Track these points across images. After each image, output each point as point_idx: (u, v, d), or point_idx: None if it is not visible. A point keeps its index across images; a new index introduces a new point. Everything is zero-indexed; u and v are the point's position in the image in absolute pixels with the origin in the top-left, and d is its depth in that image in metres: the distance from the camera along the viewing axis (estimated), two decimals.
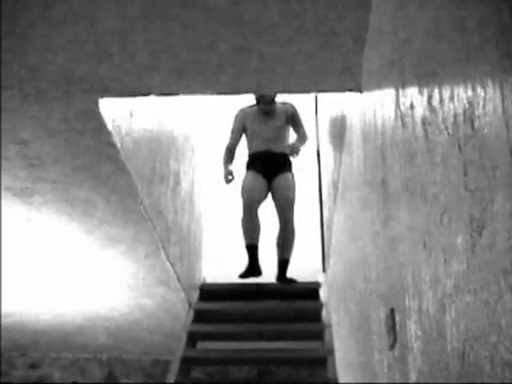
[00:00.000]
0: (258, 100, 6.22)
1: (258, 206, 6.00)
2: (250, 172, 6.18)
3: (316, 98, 7.25)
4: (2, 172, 4.02)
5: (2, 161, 3.88)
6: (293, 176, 6.23)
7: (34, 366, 7.51)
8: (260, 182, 6.08)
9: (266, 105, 6.18)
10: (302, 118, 6.37)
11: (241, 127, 6.34)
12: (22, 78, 3.16)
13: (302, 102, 7.58)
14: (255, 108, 6.32)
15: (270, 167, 6.14)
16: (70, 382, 7.41)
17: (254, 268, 5.91)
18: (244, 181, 6.15)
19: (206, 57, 3.09)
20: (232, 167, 6.21)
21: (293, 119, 6.29)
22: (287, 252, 5.99)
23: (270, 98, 6.13)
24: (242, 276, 5.89)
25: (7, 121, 3.49)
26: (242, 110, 6.39)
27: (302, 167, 7.32)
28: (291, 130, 6.40)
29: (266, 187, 6.12)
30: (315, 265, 6.68)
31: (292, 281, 5.95)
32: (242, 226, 5.96)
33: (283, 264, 6.00)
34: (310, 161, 7.25)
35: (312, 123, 7.29)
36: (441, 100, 1.59)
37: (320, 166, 6.98)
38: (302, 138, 6.27)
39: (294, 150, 6.02)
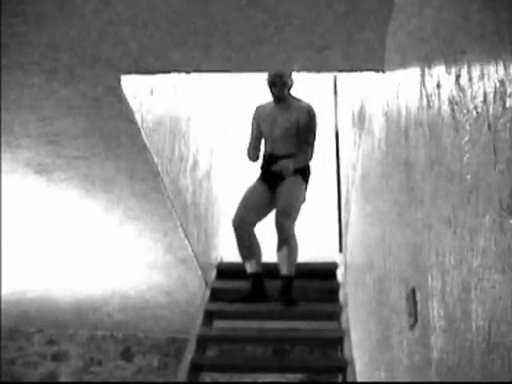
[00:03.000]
0: (271, 85, 5.38)
1: (252, 228, 5.31)
2: (256, 182, 5.51)
3: (335, 79, 7.21)
4: (23, 149, 4.03)
5: (24, 137, 3.89)
6: (304, 180, 5.42)
7: (50, 342, 7.57)
8: (261, 195, 5.39)
9: (276, 90, 5.38)
10: (316, 130, 5.49)
11: (256, 127, 5.60)
12: (45, 54, 3.17)
13: (320, 83, 7.57)
14: (271, 104, 5.56)
15: (274, 173, 5.35)
16: (87, 358, 7.46)
17: (258, 294, 5.27)
18: (246, 192, 5.46)
19: (229, 34, 3.08)
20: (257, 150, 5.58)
21: (306, 125, 5.44)
22: (288, 267, 5.18)
23: (282, 81, 5.34)
24: (245, 300, 5.28)
25: (29, 97, 3.50)
26: (257, 108, 5.66)
27: (320, 149, 7.31)
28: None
29: (270, 200, 5.40)
30: (332, 245, 6.68)
31: (295, 303, 5.21)
32: (239, 251, 5.32)
33: (285, 282, 5.20)
34: (328, 142, 7.22)
35: (331, 104, 7.26)
36: (470, 79, 1.58)
37: (338, 147, 6.96)
38: (303, 157, 5.43)
39: (284, 170, 5.23)
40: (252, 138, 5.61)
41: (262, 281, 5.25)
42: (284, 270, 5.17)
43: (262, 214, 5.40)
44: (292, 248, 5.16)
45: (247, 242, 5.25)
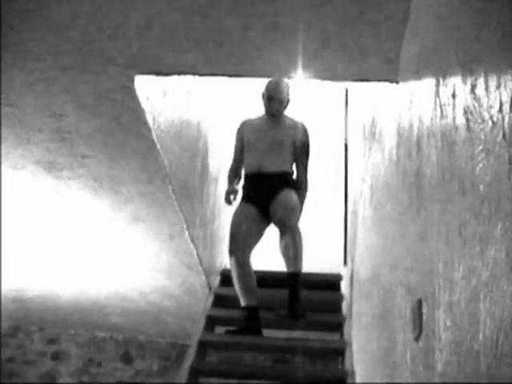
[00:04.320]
0: (268, 100, 5.00)
1: (249, 255, 4.82)
2: (242, 204, 5.01)
3: (346, 91, 7.22)
4: (33, 145, 4.04)
5: (35, 133, 3.90)
6: (299, 193, 4.97)
7: (51, 341, 7.57)
8: (253, 219, 4.89)
9: (274, 106, 4.99)
10: (309, 156, 5.09)
11: (240, 143, 5.15)
12: (61, 51, 3.18)
13: (332, 94, 7.58)
14: (261, 117, 5.15)
15: (264, 194, 4.90)
16: (86, 359, 7.45)
17: (253, 329, 4.76)
18: (233, 217, 4.97)
19: (244, 38, 3.08)
20: (236, 186, 5.08)
21: (302, 144, 5.05)
22: (296, 262, 4.73)
23: (281, 97, 4.97)
24: (238, 333, 4.77)
25: (42, 92, 3.51)
26: (243, 122, 5.23)
27: (328, 161, 7.31)
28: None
29: (262, 222, 4.94)
30: (337, 258, 6.66)
31: (304, 316, 4.86)
32: (235, 282, 4.81)
33: (293, 279, 4.76)
34: (337, 154, 7.22)
35: (341, 116, 7.27)
36: (486, 88, 1.57)
37: (347, 159, 6.95)
38: (305, 186, 5.06)
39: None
40: (235, 158, 5.16)
41: (258, 315, 4.76)
42: (291, 266, 4.72)
43: (256, 239, 4.90)
44: (297, 239, 4.70)
45: (247, 270, 4.74)
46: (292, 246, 4.67)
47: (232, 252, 4.77)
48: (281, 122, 5.07)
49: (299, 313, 4.78)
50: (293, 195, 4.87)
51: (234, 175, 5.11)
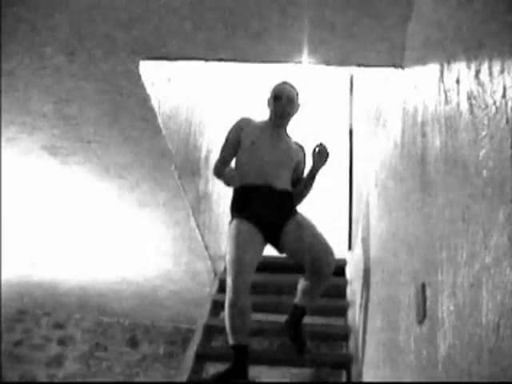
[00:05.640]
0: (275, 99, 4.21)
1: (249, 284, 3.93)
2: (240, 222, 4.01)
3: (351, 77, 7.21)
4: (39, 130, 4.05)
5: (40, 118, 3.91)
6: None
7: (57, 326, 7.61)
8: (257, 241, 3.98)
9: (281, 106, 4.19)
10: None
11: (236, 140, 4.23)
12: (67, 36, 3.18)
13: (336, 80, 7.58)
14: (264, 123, 4.28)
15: (273, 215, 4.05)
16: (93, 343, 7.49)
17: (239, 372, 3.93)
18: (234, 240, 3.94)
19: (249, 23, 3.08)
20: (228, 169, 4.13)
21: (302, 165, 4.33)
22: (312, 300, 4.19)
23: (289, 96, 4.19)
24: (220, 378, 3.88)
25: (48, 77, 3.51)
26: (243, 119, 4.33)
27: (333, 146, 7.31)
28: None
29: (262, 248, 4.07)
30: (342, 243, 6.67)
31: (308, 350, 4.37)
32: (228, 315, 3.91)
33: (300, 313, 4.23)
34: (342, 140, 7.22)
35: (346, 101, 7.27)
36: (490, 73, 1.58)
37: (352, 144, 6.95)
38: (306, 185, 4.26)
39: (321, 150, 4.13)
40: (224, 154, 4.21)
41: (247, 355, 3.95)
42: (301, 300, 4.16)
43: (256, 264, 4.00)
44: (325, 282, 4.04)
45: (245, 310, 3.87)
46: (318, 289, 4.08)
47: (235, 295, 3.84)
48: (286, 136, 4.30)
49: (305, 348, 4.31)
50: (315, 228, 4.11)
51: (221, 170, 4.19)
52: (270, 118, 4.26)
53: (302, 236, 4.01)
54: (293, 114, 4.27)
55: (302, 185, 4.26)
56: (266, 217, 4.01)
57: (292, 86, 4.28)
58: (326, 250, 3.97)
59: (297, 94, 4.27)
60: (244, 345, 3.94)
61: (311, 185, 4.24)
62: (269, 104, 4.28)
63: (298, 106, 4.28)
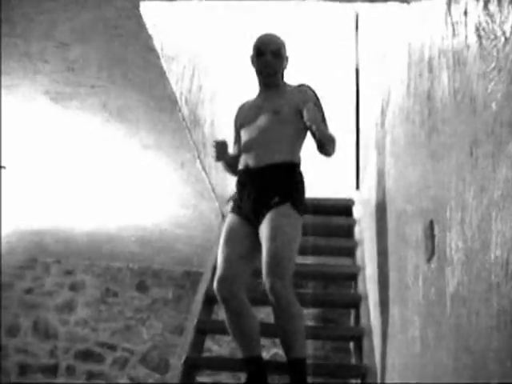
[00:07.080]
0: (258, 54, 3.64)
1: (242, 289, 3.43)
2: (230, 218, 3.65)
3: (357, 15, 7.10)
4: (41, 76, 4.00)
5: (42, 63, 3.86)
6: (296, 209, 3.47)
7: (67, 273, 7.66)
8: (243, 239, 3.54)
9: (264, 62, 3.65)
10: (324, 110, 3.70)
11: (236, 133, 3.91)
12: None
13: (342, 19, 7.46)
14: (256, 94, 3.82)
15: (250, 202, 3.54)
16: (103, 288, 7.55)
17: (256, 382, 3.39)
18: (222, 238, 3.59)
19: None
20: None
21: (304, 105, 3.54)
22: (298, 347, 3.35)
23: (272, 48, 3.61)
24: None
25: (47, 22, 3.45)
26: (239, 106, 3.95)
27: (339, 85, 7.23)
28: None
29: (256, 240, 3.51)
30: (349, 182, 6.66)
31: None
32: (228, 327, 3.46)
33: (298, 368, 3.33)
34: (349, 79, 7.14)
35: (352, 40, 7.17)
36: (499, 3, 1.53)
37: (358, 83, 6.88)
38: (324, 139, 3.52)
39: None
40: (234, 147, 3.90)
41: (263, 369, 3.43)
42: (292, 352, 3.35)
43: (250, 264, 3.54)
44: (295, 319, 3.32)
45: (244, 312, 3.40)
46: (287, 323, 3.33)
47: (222, 299, 3.41)
48: (279, 91, 3.75)
49: None
50: (287, 226, 3.42)
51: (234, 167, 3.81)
52: (259, 81, 3.78)
53: (263, 230, 3.43)
54: (281, 71, 3.74)
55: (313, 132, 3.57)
56: (244, 208, 3.55)
57: (276, 37, 3.71)
58: (276, 265, 3.30)
59: (283, 45, 3.70)
60: (259, 356, 3.44)
61: (319, 134, 3.49)
62: (252, 62, 3.73)
63: (287, 59, 3.74)
